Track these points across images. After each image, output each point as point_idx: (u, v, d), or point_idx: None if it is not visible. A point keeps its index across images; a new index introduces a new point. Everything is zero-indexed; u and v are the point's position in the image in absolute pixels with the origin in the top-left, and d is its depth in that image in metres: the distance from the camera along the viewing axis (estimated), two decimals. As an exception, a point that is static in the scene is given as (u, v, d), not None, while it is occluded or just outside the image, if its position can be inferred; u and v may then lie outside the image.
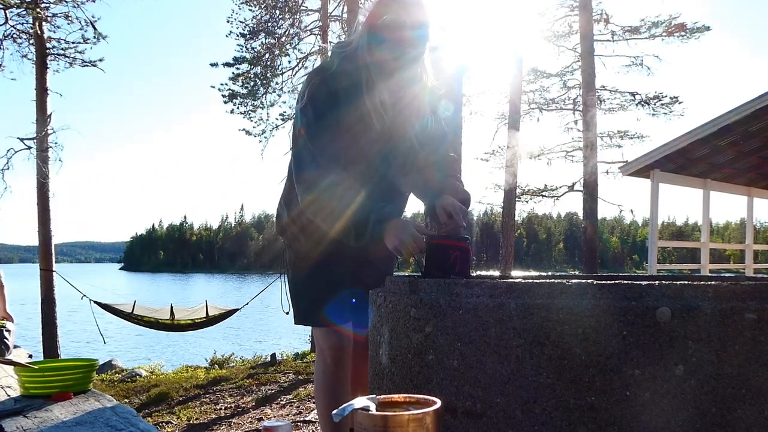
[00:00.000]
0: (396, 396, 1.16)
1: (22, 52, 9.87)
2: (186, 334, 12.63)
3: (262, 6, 11.76)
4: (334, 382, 2.18)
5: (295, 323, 2.29)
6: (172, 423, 4.26)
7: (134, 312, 8.44)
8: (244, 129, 12.23)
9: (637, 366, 1.28)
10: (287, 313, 2.34)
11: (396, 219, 1.94)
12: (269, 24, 11.83)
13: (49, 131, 9.37)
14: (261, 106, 12.05)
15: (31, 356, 5.70)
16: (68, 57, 9.91)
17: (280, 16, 11.77)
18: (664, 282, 1.35)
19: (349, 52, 2.06)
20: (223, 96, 11.94)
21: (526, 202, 15.56)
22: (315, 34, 11.76)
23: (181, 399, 5.31)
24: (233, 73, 11.92)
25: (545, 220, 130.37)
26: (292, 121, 2.18)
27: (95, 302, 8.40)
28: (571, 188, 14.40)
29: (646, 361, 1.27)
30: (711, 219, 9.16)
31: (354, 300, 2.20)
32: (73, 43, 9.92)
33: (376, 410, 1.06)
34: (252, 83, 11.94)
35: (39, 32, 9.49)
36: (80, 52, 9.99)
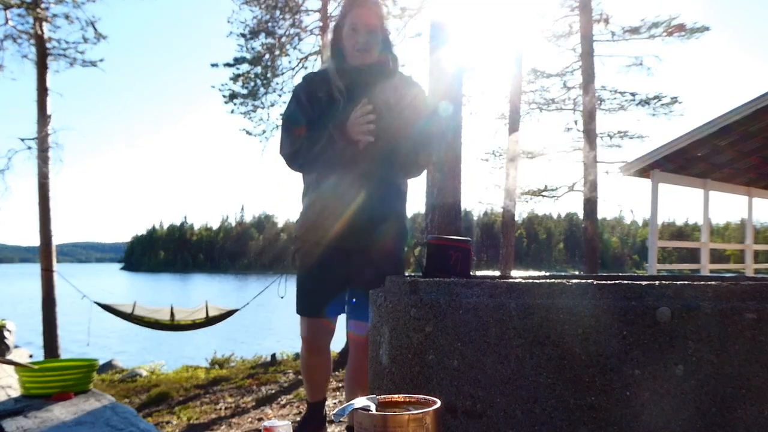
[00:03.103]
0: (396, 396, 1.16)
1: (23, 52, 9.88)
2: (186, 334, 12.62)
3: (263, 6, 11.75)
4: (309, 365, 2.48)
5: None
6: (172, 423, 4.25)
7: (134, 312, 8.43)
8: (244, 129, 12.24)
9: (637, 366, 1.28)
10: (282, 297, 2.63)
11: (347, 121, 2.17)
12: (269, 24, 11.82)
13: (50, 131, 9.37)
14: (261, 106, 12.04)
15: (31, 356, 5.71)
16: (68, 57, 9.91)
17: (281, 16, 11.77)
18: (664, 282, 1.35)
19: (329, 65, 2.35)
20: (224, 96, 11.94)
21: (526, 202, 15.56)
22: (315, 34, 11.76)
23: (181, 399, 5.31)
24: (234, 73, 11.92)
25: (545, 220, 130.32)
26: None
27: (96, 302, 8.39)
28: (571, 188, 14.40)
29: (646, 361, 1.27)
30: (711, 219, 9.16)
31: (335, 296, 2.36)
32: (73, 43, 9.93)
33: (376, 410, 1.06)
34: (252, 83, 11.94)
35: (39, 32, 9.49)
36: (80, 53, 10.00)
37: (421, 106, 2.31)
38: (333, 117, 2.21)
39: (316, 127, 2.22)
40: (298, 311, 2.41)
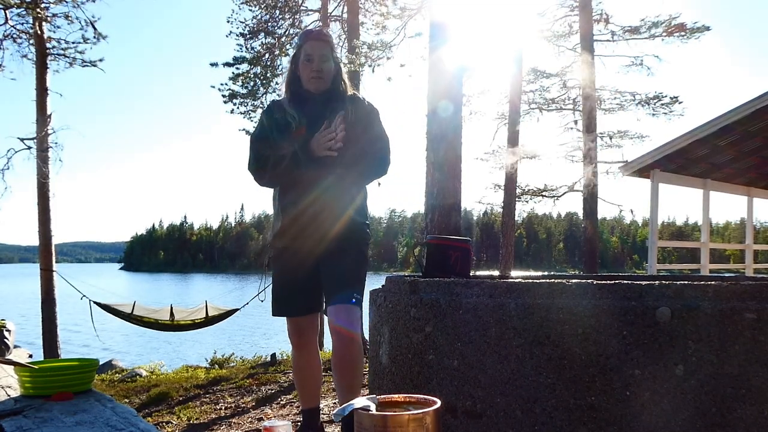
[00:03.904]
0: (396, 396, 1.16)
1: (22, 52, 9.87)
2: (186, 334, 12.64)
3: (262, 6, 11.75)
4: (298, 363, 2.65)
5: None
6: (172, 423, 4.25)
7: (134, 312, 8.43)
8: (244, 129, 12.23)
9: (637, 366, 1.28)
10: (262, 301, 2.66)
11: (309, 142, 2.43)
12: (269, 24, 11.82)
13: (49, 131, 9.36)
14: (261, 106, 12.03)
15: (31, 356, 5.71)
16: (68, 57, 9.90)
17: (280, 16, 11.77)
18: (664, 282, 1.35)
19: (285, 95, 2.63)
20: (223, 96, 11.92)
21: (526, 202, 15.57)
22: (315, 34, 11.73)
23: (181, 399, 5.31)
24: (233, 73, 11.90)
25: (545, 220, 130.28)
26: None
27: (95, 302, 8.39)
28: (571, 188, 14.40)
29: (646, 361, 1.27)
30: (711, 219, 9.17)
31: (307, 295, 2.53)
32: (73, 43, 9.91)
33: (376, 410, 1.06)
34: (252, 83, 11.93)
35: (39, 32, 9.48)
36: (80, 52, 9.98)
37: (371, 122, 2.56)
38: (291, 139, 2.49)
39: (278, 147, 2.50)
40: (273, 313, 2.61)
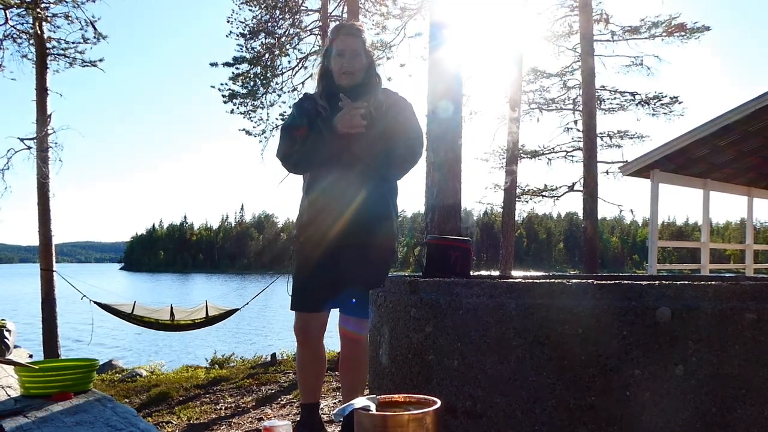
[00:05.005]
0: (396, 396, 1.16)
1: (22, 52, 9.88)
2: (186, 334, 12.63)
3: (262, 6, 11.75)
4: (301, 360, 2.63)
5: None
6: (172, 423, 4.25)
7: (134, 312, 8.42)
8: (244, 129, 12.22)
9: (637, 366, 1.28)
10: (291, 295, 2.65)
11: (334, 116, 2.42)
12: (269, 24, 11.82)
13: (49, 131, 9.35)
14: (261, 106, 12.03)
15: (31, 356, 5.70)
16: (68, 57, 9.91)
17: (280, 16, 11.77)
18: (664, 282, 1.35)
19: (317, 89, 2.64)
20: (223, 96, 11.92)
21: (526, 202, 15.58)
22: (315, 34, 11.75)
23: (181, 399, 5.30)
24: (233, 73, 11.90)
25: (545, 220, 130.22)
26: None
27: (95, 302, 8.38)
28: (571, 188, 14.41)
29: (646, 361, 1.27)
30: (711, 219, 9.17)
31: (324, 291, 2.48)
32: (73, 43, 9.93)
33: (376, 410, 1.06)
34: (252, 83, 11.93)
35: (39, 32, 9.48)
36: (80, 52, 10.00)
37: (403, 116, 2.53)
38: (320, 119, 2.49)
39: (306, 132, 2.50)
40: (291, 307, 2.57)
